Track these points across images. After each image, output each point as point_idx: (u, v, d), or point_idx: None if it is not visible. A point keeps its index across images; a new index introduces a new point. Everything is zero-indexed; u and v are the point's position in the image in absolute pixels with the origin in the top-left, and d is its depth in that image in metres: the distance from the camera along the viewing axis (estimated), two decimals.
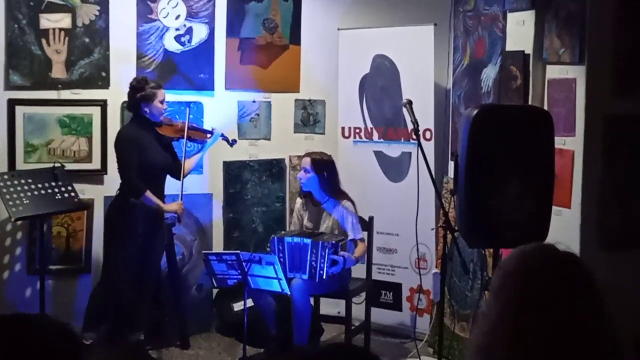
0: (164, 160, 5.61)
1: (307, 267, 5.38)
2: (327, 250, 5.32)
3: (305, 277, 5.39)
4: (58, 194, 5.51)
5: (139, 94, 5.48)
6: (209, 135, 5.87)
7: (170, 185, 5.72)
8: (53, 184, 5.52)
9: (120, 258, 5.44)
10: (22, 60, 5.93)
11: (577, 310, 1.77)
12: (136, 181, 5.41)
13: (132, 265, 5.42)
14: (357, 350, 1.60)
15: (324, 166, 5.68)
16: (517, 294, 1.79)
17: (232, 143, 6.01)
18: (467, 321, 5.50)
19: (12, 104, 5.92)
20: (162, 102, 5.55)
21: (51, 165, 5.63)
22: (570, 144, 4.63)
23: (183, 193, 5.62)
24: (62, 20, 5.99)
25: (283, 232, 5.90)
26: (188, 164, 5.76)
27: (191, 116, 5.83)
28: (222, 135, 5.92)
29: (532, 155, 4.03)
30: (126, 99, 5.81)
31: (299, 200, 5.88)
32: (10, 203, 5.27)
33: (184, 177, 5.69)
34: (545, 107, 4.78)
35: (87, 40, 6.04)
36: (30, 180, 5.44)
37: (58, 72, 6.01)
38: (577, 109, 4.61)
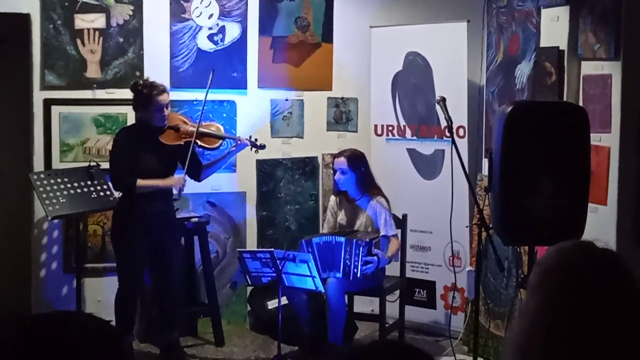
0: (161, 167, 5.32)
1: (341, 265, 5.38)
2: (361, 249, 5.31)
3: (340, 275, 5.39)
4: (94, 193, 5.55)
5: (136, 99, 5.28)
6: (222, 142, 5.58)
7: (195, 185, 5.75)
8: (89, 182, 5.56)
9: (129, 262, 5.34)
10: (58, 61, 6.00)
11: (616, 308, 1.75)
12: (124, 178, 5.20)
13: (144, 267, 5.37)
14: (410, 349, 1.58)
15: (360, 163, 5.68)
16: (556, 292, 1.78)
17: (260, 147, 5.70)
18: (502, 319, 5.47)
19: (47, 103, 5.99)
20: (161, 108, 5.23)
21: (87, 164, 5.68)
22: (606, 140, 4.59)
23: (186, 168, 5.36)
24: (97, 21, 6.05)
25: (310, 235, 5.86)
26: (206, 167, 5.60)
27: (211, 116, 5.65)
28: (250, 139, 5.66)
29: (568, 152, 4.00)
30: None
31: (332, 198, 5.88)
32: (47, 202, 5.32)
33: (198, 180, 5.55)
34: (581, 104, 4.74)
35: (121, 40, 6.09)
36: (66, 179, 5.49)
37: (93, 71, 6.06)
38: (613, 105, 4.57)
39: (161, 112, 5.26)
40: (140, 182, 5.19)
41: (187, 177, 5.38)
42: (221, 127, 5.74)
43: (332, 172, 5.85)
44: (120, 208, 5.42)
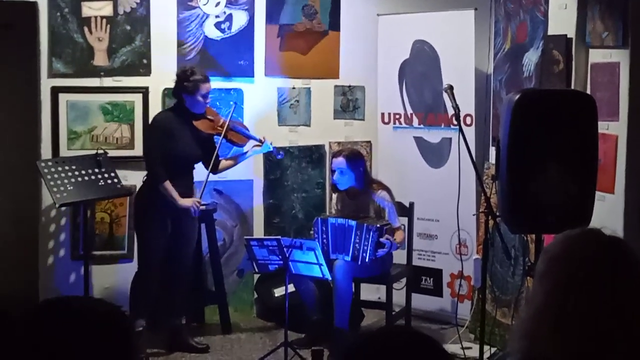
0: (193, 153, 5.56)
1: (351, 249, 5.41)
2: (371, 234, 5.33)
3: (348, 258, 5.42)
4: (101, 180, 5.57)
5: (182, 84, 5.48)
6: (252, 142, 5.83)
7: (202, 173, 5.75)
8: (96, 170, 5.58)
9: (151, 244, 5.48)
10: (65, 49, 6.00)
11: (623, 295, 1.76)
12: (157, 169, 5.39)
13: (163, 250, 5.46)
14: (418, 335, 1.58)
15: (358, 162, 5.67)
16: (563, 279, 1.79)
17: (278, 156, 5.97)
18: (508, 307, 5.48)
19: (55, 91, 5.99)
20: (204, 96, 5.48)
21: (94, 151, 5.70)
22: (614, 128, 4.58)
23: (205, 189, 5.55)
24: (104, 8, 6.04)
25: (326, 214, 5.90)
26: (224, 163, 5.78)
27: (234, 114, 5.81)
28: (272, 145, 5.87)
29: (575, 140, 3.99)
30: (168, 86, 5.88)
31: (334, 195, 5.90)
32: (55, 189, 5.34)
33: (215, 172, 5.67)
34: (588, 92, 4.73)
35: (128, 27, 6.09)
36: (74, 167, 5.50)
37: (100, 59, 6.06)
38: (621, 93, 4.56)
39: (204, 99, 5.49)
40: (167, 184, 5.38)
41: (201, 199, 5.59)
42: (248, 127, 5.94)
43: (330, 172, 5.86)
44: (142, 193, 5.54)
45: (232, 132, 5.71)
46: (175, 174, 5.44)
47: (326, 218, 5.57)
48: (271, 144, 5.86)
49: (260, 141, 5.83)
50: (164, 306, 5.61)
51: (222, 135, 5.59)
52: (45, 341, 1.57)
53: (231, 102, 5.96)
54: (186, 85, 5.45)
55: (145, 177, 5.58)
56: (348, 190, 5.72)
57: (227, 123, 5.63)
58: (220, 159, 5.75)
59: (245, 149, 5.92)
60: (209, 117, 5.63)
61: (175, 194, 5.41)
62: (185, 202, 5.45)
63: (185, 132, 5.50)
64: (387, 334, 1.60)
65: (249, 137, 5.85)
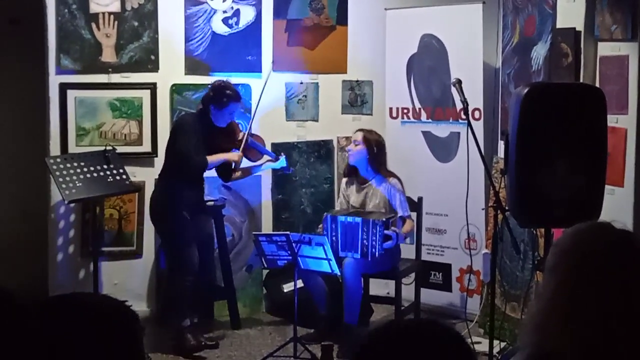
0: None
1: (359, 246, 5.40)
2: (378, 228, 5.33)
3: (358, 256, 5.41)
4: (110, 177, 5.58)
5: (213, 97, 5.53)
6: (267, 158, 5.95)
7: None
8: (105, 166, 5.59)
9: (185, 244, 5.47)
10: (73, 45, 6.00)
11: (632, 288, 1.76)
12: (197, 156, 5.44)
13: (193, 247, 5.50)
14: (442, 328, 1.57)
15: (374, 141, 5.69)
16: (573, 272, 1.78)
17: (285, 170, 6.10)
18: (517, 302, 5.47)
19: (63, 88, 6.00)
20: (231, 113, 5.57)
21: (103, 148, 5.70)
22: (623, 122, 4.56)
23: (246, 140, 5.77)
24: (112, 4, 6.04)
25: (336, 210, 5.89)
26: (239, 173, 5.89)
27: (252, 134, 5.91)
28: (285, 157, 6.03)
29: (584, 133, 3.98)
30: (175, 82, 5.88)
31: (343, 180, 5.91)
32: (64, 186, 5.35)
33: (227, 181, 5.92)
34: (597, 85, 4.71)
35: (136, 23, 6.09)
36: (82, 163, 5.51)
37: (108, 56, 6.07)
38: (630, 86, 4.54)
39: (229, 116, 5.60)
40: (211, 159, 5.52)
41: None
42: (264, 140, 6.04)
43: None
44: (159, 197, 5.57)
45: (248, 150, 5.79)
46: (190, 176, 5.53)
47: (336, 215, 5.56)
48: (286, 158, 6.00)
49: (275, 157, 5.97)
50: (181, 304, 5.58)
51: (240, 152, 5.71)
52: (54, 337, 1.57)
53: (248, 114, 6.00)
54: (217, 98, 5.51)
55: (157, 178, 5.61)
56: (358, 173, 5.73)
57: (245, 140, 5.73)
58: (233, 168, 5.83)
59: (259, 162, 5.99)
60: (230, 130, 5.71)
61: (220, 155, 5.60)
62: (233, 156, 5.66)
63: (206, 138, 5.54)
64: (404, 328, 1.59)
65: (264, 153, 5.95)
